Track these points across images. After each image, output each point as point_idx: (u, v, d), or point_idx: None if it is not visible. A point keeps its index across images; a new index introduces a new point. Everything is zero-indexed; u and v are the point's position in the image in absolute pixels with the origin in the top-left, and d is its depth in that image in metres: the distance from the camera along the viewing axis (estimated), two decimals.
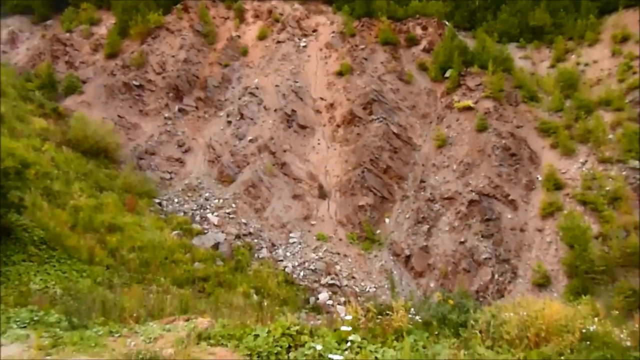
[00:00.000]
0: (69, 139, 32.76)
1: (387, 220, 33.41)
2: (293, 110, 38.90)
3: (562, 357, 5.91)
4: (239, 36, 46.82)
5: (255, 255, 29.25)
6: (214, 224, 30.73)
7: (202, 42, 45.22)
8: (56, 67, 43.00)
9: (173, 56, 42.94)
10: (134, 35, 44.56)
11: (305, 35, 46.40)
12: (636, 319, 8.91)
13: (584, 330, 6.63)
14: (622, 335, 7.16)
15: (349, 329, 6.81)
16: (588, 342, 6.46)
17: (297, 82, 41.18)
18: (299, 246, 30.71)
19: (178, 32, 44.96)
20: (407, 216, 33.06)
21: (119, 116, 38.44)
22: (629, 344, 6.81)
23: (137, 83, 40.49)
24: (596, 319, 7.45)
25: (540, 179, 33.03)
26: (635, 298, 23.50)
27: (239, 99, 40.60)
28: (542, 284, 27.22)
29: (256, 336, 6.79)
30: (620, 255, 26.46)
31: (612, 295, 24.34)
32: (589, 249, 26.69)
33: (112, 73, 41.42)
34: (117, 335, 7.71)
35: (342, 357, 6.03)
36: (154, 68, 41.96)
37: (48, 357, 6.25)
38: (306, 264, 29.23)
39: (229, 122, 38.98)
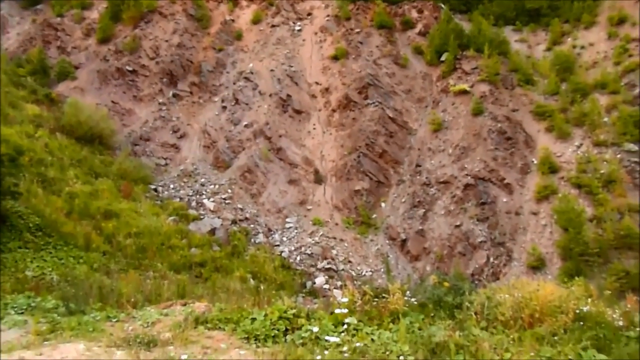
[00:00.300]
0: (62, 125, 32.53)
1: (383, 204, 33.51)
2: (288, 95, 38.73)
3: (556, 337, 5.99)
4: (232, 20, 46.38)
5: (252, 240, 29.33)
6: (210, 210, 30.75)
7: (195, 26, 44.77)
8: (48, 52, 42.50)
9: (166, 41, 42.53)
10: (127, 20, 44.02)
11: (300, 19, 46.00)
12: (628, 299, 9.03)
13: (577, 311, 6.72)
14: (614, 316, 7.26)
15: (345, 311, 6.87)
16: (581, 322, 6.54)
17: (292, 66, 40.93)
18: (295, 231, 30.81)
19: (171, 16, 44.48)
20: (402, 200, 33.17)
21: (112, 102, 38.16)
22: (621, 323, 6.91)
23: (130, 68, 40.13)
24: (589, 299, 7.55)
25: (535, 162, 33.13)
26: (628, 279, 23.79)
27: (234, 83, 40.36)
28: (537, 266, 27.45)
29: (253, 320, 6.85)
30: (614, 237, 26.71)
31: (605, 276, 24.63)
32: (583, 232, 26.91)
33: (105, 58, 41.02)
34: (114, 320, 7.75)
35: (338, 339, 6.09)
36: (147, 53, 41.57)
37: (46, 342, 6.29)
38: (302, 248, 29.36)
39: (224, 108, 38.79)
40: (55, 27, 44.79)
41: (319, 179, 34.57)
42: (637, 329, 6.50)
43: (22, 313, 8.28)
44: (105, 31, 43.34)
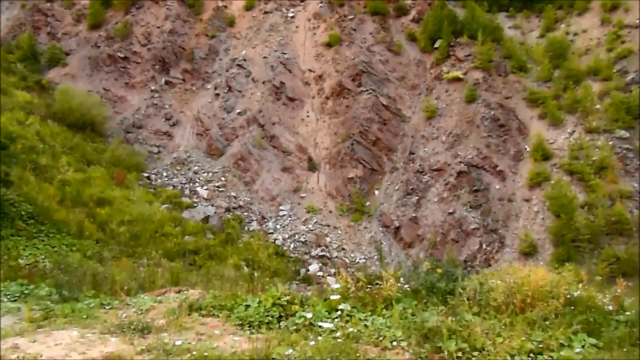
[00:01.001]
0: (54, 112, 32.27)
1: (376, 191, 33.59)
2: (282, 82, 38.52)
3: (547, 322, 6.05)
4: (225, 6, 45.87)
5: (246, 228, 29.37)
6: (204, 197, 30.71)
7: (187, 12, 44.25)
8: (38, 38, 41.91)
9: (158, 27, 42.06)
10: (118, 5, 43.47)
11: (293, 5, 45.56)
12: (619, 284, 9.13)
13: (568, 296, 6.77)
14: (605, 300, 7.34)
15: (338, 297, 6.91)
16: (572, 307, 6.60)
17: (285, 53, 40.65)
18: (289, 218, 30.86)
19: (163, 2, 43.91)
20: (396, 187, 33.25)
21: (104, 89, 37.83)
22: (611, 308, 6.99)
23: (122, 55, 39.73)
24: (580, 284, 7.60)
25: (528, 149, 33.24)
26: (619, 265, 24.07)
27: (227, 70, 40.06)
28: (529, 252, 27.68)
29: (247, 306, 6.87)
30: (605, 223, 26.94)
31: (596, 262, 24.88)
32: (575, 218, 27.13)
33: (96, 44, 40.55)
34: (108, 307, 7.76)
35: (331, 325, 6.13)
36: (139, 39, 41.14)
37: (40, 329, 6.28)
38: (296, 236, 29.44)
39: (217, 95, 38.56)
40: (45, 13, 44.13)
41: (312, 167, 34.55)
42: (627, 313, 6.58)
43: (15, 300, 8.27)
44: (96, 17, 42.77)
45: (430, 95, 37.68)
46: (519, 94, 36.72)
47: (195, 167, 33.62)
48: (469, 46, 39.12)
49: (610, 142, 31.63)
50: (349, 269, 25.24)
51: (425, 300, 7.24)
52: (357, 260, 28.53)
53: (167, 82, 39.58)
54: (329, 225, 30.73)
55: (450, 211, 30.28)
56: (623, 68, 36.51)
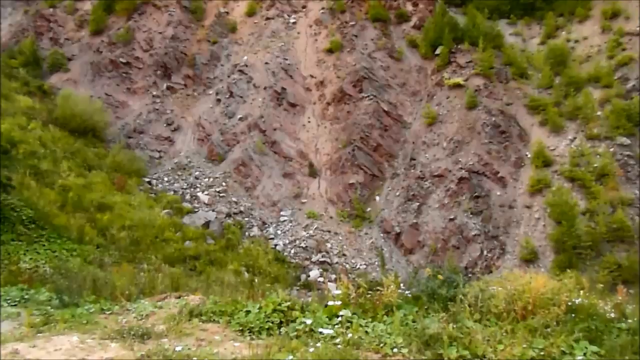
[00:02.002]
0: (55, 117, 32.37)
1: (377, 197, 33.57)
2: (283, 88, 38.61)
3: (548, 329, 6.03)
4: (227, 12, 46.07)
5: (246, 233, 29.34)
6: (205, 203, 30.71)
7: (189, 18, 44.46)
8: (40, 43, 42.11)
9: (160, 33, 42.23)
10: (120, 11, 43.68)
11: (295, 12, 45.74)
12: (620, 291, 9.10)
13: (569, 303, 6.75)
14: (606, 308, 7.32)
15: (339, 303, 6.89)
16: (573, 314, 6.58)
17: (286, 59, 40.76)
18: (290, 224, 30.84)
19: (165, 8, 44.12)
20: (397, 194, 33.23)
21: (106, 94, 37.94)
22: (613, 315, 6.97)
23: (124, 60, 39.86)
24: (581, 292, 7.59)
25: (529, 156, 33.24)
26: (620, 272, 24.00)
27: (228, 76, 40.17)
28: (530, 259, 27.63)
29: (247, 312, 6.85)
30: (606, 230, 26.91)
31: (598, 269, 24.82)
32: (576, 225, 27.08)
33: (98, 50, 40.72)
34: (108, 312, 7.74)
35: (332, 331, 6.11)
36: (140, 45, 41.28)
37: (40, 334, 6.27)
38: (297, 241, 29.40)
39: (218, 101, 38.64)
40: (47, 19, 44.34)
41: (313, 172, 34.57)
42: (629, 320, 6.56)
43: (15, 305, 8.25)
44: (98, 23, 42.97)
45: (431, 102, 37.73)
46: (519, 100, 36.76)
47: (196, 173, 33.64)
48: (470, 53, 39.20)
49: (611, 149, 31.63)
50: (349, 275, 25.20)
51: (426, 307, 7.22)
52: (357, 266, 28.48)
53: (168, 88, 39.68)
54: (329, 231, 30.69)
55: (451, 217, 30.25)
56: (624, 75, 36.57)
